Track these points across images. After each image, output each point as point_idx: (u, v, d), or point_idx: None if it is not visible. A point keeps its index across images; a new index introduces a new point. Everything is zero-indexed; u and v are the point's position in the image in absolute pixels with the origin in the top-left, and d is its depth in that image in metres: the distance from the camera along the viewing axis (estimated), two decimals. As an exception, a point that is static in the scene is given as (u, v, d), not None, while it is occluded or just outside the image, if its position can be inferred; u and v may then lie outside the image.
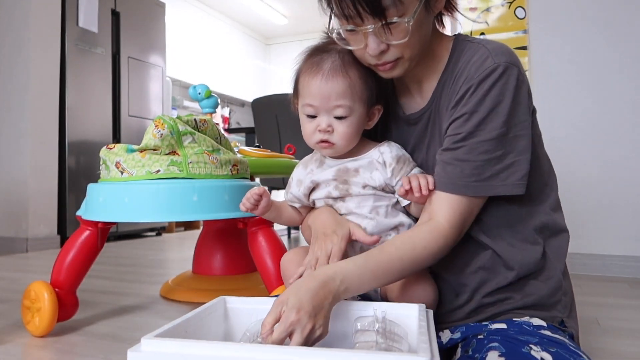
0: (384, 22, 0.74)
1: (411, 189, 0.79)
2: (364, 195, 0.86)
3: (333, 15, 0.78)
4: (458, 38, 0.86)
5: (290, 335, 0.62)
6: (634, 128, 2.06)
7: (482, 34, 2.37)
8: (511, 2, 2.32)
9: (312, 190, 0.92)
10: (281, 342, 0.62)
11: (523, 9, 2.29)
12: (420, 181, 0.80)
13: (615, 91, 2.09)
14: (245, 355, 0.54)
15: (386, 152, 0.87)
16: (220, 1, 6.10)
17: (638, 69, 2.05)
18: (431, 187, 0.80)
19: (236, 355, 0.54)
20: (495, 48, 0.79)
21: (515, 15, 2.31)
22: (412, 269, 0.77)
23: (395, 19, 0.73)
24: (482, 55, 0.78)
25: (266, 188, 0.91)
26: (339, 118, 0.83)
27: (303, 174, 0.93)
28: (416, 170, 0.87)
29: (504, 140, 0.77)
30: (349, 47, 0.80)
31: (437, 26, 0.87)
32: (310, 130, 0.86)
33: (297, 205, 0.96)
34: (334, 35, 0.81)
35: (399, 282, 0.82)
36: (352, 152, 0.89)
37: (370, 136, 0.94)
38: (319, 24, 0.85)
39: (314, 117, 0.85)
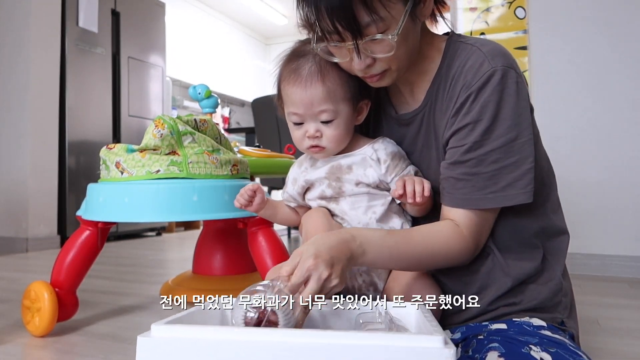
0: (365, 40, 0.72)
1: (405, 193, 0.78)
2: (357, 194, 0.85)
3: (316, 31, 0.75)
4: (451, 38, 0.84)
5: (306, 282, 0.61)
6: (634, 128, 2.05)
7: (482, 33, 2.37)
8: (511, 2, 2.32)
9: (307, 190, 0.91)
10: (297, 287, 0.61)
11: (523, 9, 2.29)
12: (416, 187, 0.78)
13: (615, 91, 2.09)
14: (256, 338, 0.54)
15: (380, 149, 0.86)
16: (220, 1, 6.09)
17: (638, 69, 2.05)
18: (427, 193, 0.78)
19: (245, 338, 0.54)
20: (490, 50, 0.77)
21: (515, 15, 2.31)
22: (427, 261, 0.76)
23: (378, 36, 0.71)
24: (478, 59, 0.76)
25: (261, 185, 0.91)
26: (325, 122, 0.82)
27: (298, 172, 0.93)
28: (411, 167, 0.86)
29: (514, 147, 0.74)
30: (335, 60, 0.79)
31: (429, 25, 0.85)
32: (299, 137, 0.85)
33: (293, 204, 0.96)
34: (319, 50, 0.78)
35: (402, 283, 0.82)
36: (345, 148, 0.88)
37: (362, 134, 0.93)
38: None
39: (300, 124, 0.84)
